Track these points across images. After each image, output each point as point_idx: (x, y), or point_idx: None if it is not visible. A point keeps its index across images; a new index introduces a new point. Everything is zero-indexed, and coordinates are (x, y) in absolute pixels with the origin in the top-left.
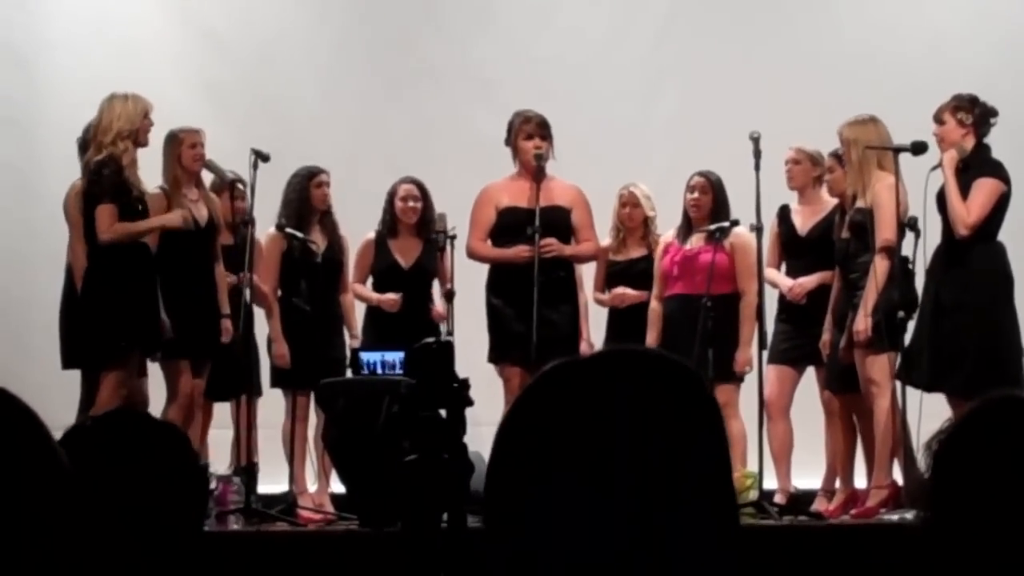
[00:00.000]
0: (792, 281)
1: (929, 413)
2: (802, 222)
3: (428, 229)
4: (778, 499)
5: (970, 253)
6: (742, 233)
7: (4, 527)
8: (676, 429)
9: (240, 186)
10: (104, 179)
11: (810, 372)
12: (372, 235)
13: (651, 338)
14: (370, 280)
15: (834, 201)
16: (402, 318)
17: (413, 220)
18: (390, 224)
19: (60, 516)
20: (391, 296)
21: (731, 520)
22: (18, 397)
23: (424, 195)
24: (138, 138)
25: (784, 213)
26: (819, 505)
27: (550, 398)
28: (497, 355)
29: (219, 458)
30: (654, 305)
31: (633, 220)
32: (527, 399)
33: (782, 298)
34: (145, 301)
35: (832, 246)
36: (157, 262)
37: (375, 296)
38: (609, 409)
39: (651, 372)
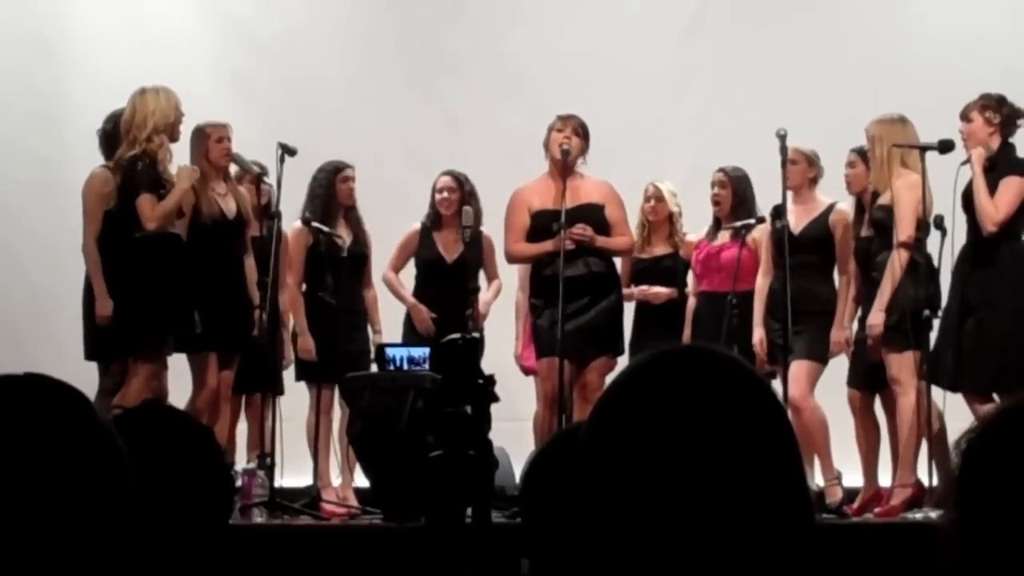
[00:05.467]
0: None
1: (956, 413)
2: (796, 221)
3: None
4: None
5: (996, 252)
6: (768, 229)
7: (67, 514)
8: (747, 430)
9: (266, 180)
10: (140, 173)
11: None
12: (418, 225)
13: (687, 334)
14: (413, 272)
15: (828, 201)
16: (443, 313)
17: (450, 212)
18: (434, 217)
19: (121, 504)
20: (425, 317)
21: (806, 519)
22: (77, 389)
23: (461, 187)
24: (173, 132)
25: (779, 212)
26: (833, 496)
27: (641, 387)
28: (541, 353)
29: (242, 452)
30: (690, 302)
31: (657, 215)
32: (619, 387)
33: (771, 294)
34: (179, 291)
35: (823, 245)
36: (187, 255)
37: (411, 300)
38: (690, 404)
39: (723, 372)
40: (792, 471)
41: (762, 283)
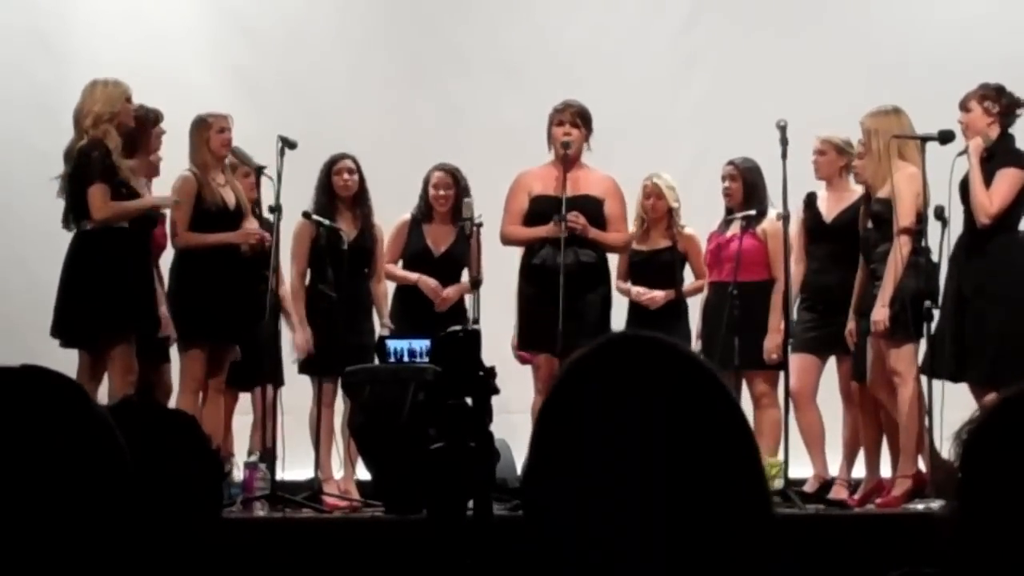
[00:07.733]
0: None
1: (954, 404)
2: (828, 209)
3: (461, 217)
4: (810, 485)
5: (991, 243)
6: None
7: (68, 506)
8: (689, 417)
9: (267, 173)
10: (94, 161)
11: (832, 361)
12: (407, 217)
13: (698, 325)
14: (400, 263)
15: (861, 189)
16: (431, 304)
17: (445, 208)
18: (424, 210)
19: (121, 495)
20: (433, 282)
21: (764, 509)
22: (75, 380)
23: (457, 183)
24: (120, 121)
25: (811, 200)
26: (836, 494)
27: (574, 390)
28: (526, 342)
29: (242, 445)
30: (703, 293)
31: (656, 211)
32: (556, 392)
33: (804, 285)
34: (128, 284)
35: (856, 233)
36: (135, 250)
37: (414, 276)
38: (629, 398)
39: (655, 359)
40: (739, 453)
41: (794, 271)
